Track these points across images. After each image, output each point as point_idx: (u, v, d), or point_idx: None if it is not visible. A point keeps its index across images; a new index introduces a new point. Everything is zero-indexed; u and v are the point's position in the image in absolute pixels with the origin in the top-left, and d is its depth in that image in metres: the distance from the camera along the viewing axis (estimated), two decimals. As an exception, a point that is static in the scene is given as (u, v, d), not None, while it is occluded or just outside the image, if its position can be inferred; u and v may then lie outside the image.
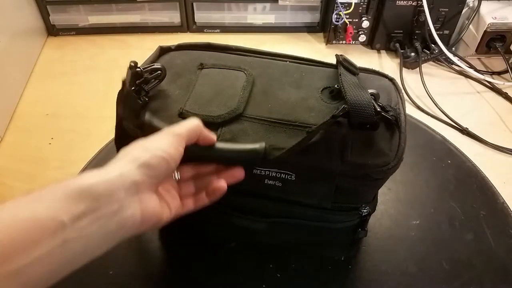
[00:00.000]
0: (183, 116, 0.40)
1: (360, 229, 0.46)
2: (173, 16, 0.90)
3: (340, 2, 0.83)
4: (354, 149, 0.38)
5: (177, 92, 0.43)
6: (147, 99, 0.42)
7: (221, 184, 0.37)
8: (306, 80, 0.45)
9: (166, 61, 0.47)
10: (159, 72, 0.43)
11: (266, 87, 0.44)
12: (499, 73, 0.84)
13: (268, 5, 0.90)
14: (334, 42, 0.90)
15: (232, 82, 0.44)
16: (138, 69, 0.41)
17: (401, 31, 0.86)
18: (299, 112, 0.41)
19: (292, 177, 0.39)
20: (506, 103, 0.78)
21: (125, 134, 0.41)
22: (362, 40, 0.89)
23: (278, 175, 0.39)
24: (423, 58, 0.83)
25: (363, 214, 0.43)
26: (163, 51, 0.48)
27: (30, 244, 0.25)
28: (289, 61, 0.47)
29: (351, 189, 0.40)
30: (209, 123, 0.40)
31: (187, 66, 0.46)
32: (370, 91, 0.39)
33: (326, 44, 0.91)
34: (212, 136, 0.37)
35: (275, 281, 0.50)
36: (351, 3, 0.83)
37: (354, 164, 0.38)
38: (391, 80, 0.45)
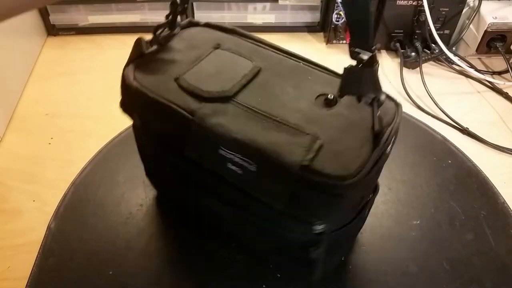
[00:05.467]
0: (178, 82, 0.42)
1: (312, 248, 0.43)
2: (173, 16, 0.89)
3: (340, 2, 0.83)
4: (320, 154, 0.37)
5: (184, 60, 0.45)
6: (157, 46, 0.45)
7: None
8: (309, 83, 0.44)
9: (190, 33, 0.48)
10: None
11: (267, 80, 0.44)
12: (499, 73, 0.84)
13: (268, 4, 0.90)
14: (334, 41, 0.90)
15: (237, 68, 0.44)
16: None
17: (402, 31, 0.86)
18: (285, 110, 0.41)
19: (253, 167, 0.38)
20: (506, 103, 0.78)
21: (125, 84, 0.44)
22: (362, 40, 0.89)
23: (241, 161, 0.39)
24: (423, 58, 0.83)
25: (316, 231, 0.40)
26: (191, 24, 0.50)
27: None
28: (303, 63, 0.47)
29: (306, 199, 0.39)
30: (197, 95, 0.41)
31: (205, 43, 0.47)
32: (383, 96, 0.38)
33: (326, 44, 0.91)
34: None
35: (275, 281, 0.50)
36: (351, 3, 0.83)
37: (311, 169, 0.36)
38: (397, 105, 0.43)
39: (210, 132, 0.39)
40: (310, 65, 0.47)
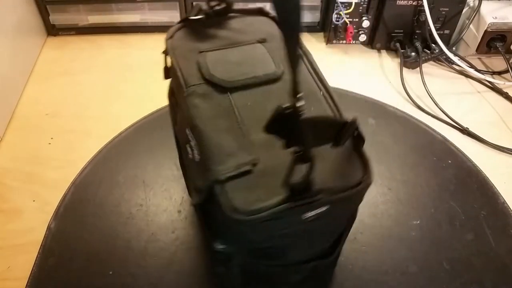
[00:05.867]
0: (199, 55, 0.44)
1: (217, 262, 0.42)
2: (173, 16, 0.89)
3: (340, 2, 0.82)
4: (241, 178, 0.35)
5: (224, 39, 0.46)
6: (202, 16, 0.47)
7: None
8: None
9: (253, 19, 0.50)
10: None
11: (272, 91, 0.42)
12: (499, 73, 0.84)
13: (268, 4, 0.90)
14: (334, 41, 0.90)
15: (257, 67, 0.44)
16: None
17: (402, 31, 0.86)
18: (258, 125, 0.39)
19: (197, 158, 0.39)
20: (506, 103, 0.78)
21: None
22: (362, 40, 0.89)
23: (194, 147, 0.39)
24: (423, 58, 0.83)
25: (215, 247, 0.39)
26: (261, 12, 0.51)
27: None
28: (323, 93, 0.44)
29: (213, 210, 0.38)
30: (202, 74, 0.42)
31: (256, 33, 0.48)
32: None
33: (326, 44, 0.91)
34: None
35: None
36: (351, 3, 0.83)
37: (222, 186, 0.35)
38: (365, 180, 0.36)
39: (186, 110, 0.41)
40: (328, 100, 0.43)
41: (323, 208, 0.35)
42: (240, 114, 0.40)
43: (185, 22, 0.48)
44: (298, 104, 0.29)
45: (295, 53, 0.28)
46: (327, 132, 0.33)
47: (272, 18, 0.50)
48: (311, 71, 0.46)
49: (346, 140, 0.35)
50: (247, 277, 0.42)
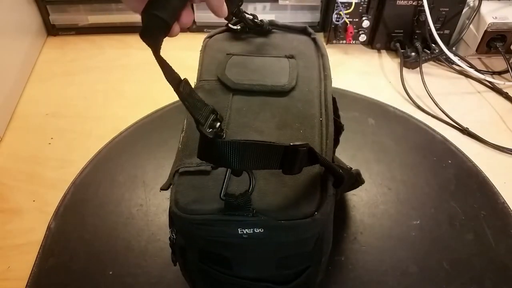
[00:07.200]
0: (225, 56, 0.46)
1: (173, 252, 0.43)
2: (173, 16, 0.89)
3: (340, 2, 0.82)
4: (197, 175, 0.37)
5: (256, 47, 0.48)
6: (238, 27, 0.50)
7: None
8: (291, 134, 0.40)
9: (295, 37, 0.51)
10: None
11: (271, 105, 0.42)
12: (499, 73, 0.84)
13: (268, 4, 0.90)
14: (334, 41, 0.90)
15: (268, 78, 0.44)
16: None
17: (402, 31, 0.86)
18: (238, 131, 0.40)
19: (179, 147, 0.40)
20: (506, 103, 0.78)
21: None
22: (362, 40, 0.89)
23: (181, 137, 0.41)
24: (423, 58, 0.83)
25: (170, 235, 0.40)
26: (305, 31, 0.53)
27: None
28: (322, 120, 0.42)
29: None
30: (219, 72, 0.44)
31: (288, 49, 0.49)
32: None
33: (326, 44, 0.91)
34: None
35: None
36: (351, 3, 0.83)
37: (178, 178, 0.37)
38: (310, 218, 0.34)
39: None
40: (322, 128, 0.41)
41: (260, 230, 0.34)
42: (230, 116, 0.40)
43: (228, 27, 0.50)
44: (202, 129, 0.30)
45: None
46: (268, 157, 0.31)
47: (313, 39, 0.51)
48: (322, 91, 0.44)
49: (301, 168, 0.32)
50: (209, 282, 0.42)
